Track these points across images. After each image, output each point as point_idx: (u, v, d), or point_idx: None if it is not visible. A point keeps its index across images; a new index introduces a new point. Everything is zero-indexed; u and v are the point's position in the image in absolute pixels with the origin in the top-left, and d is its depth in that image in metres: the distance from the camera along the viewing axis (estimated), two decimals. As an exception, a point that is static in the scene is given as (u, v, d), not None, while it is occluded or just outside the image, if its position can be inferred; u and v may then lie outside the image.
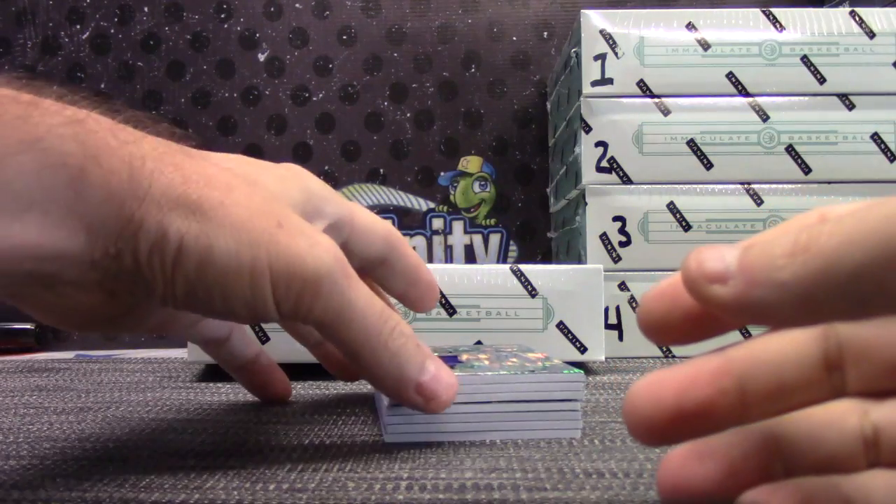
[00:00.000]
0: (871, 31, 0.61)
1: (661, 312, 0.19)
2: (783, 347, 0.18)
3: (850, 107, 0.61)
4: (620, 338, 0.60)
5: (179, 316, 0.30)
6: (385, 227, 0.32)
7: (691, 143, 0.61)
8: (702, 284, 0.16)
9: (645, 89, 0.61)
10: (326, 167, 0.87)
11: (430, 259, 0.86)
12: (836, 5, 0.77)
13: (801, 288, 0.15)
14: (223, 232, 0.23)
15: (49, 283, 0.23)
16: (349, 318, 0.25)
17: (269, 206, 0.25)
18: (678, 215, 0.60)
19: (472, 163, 0.87)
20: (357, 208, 0.31)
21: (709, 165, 0.61)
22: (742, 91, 0.61)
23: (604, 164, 0.61)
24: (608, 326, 0.60)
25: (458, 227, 0.86)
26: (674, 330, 0.19)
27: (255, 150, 0.86)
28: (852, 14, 0.62)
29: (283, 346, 0.45)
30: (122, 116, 0.25)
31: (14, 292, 0.24)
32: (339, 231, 0.30)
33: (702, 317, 0.18)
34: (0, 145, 0.20)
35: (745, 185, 0.61)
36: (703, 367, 0.17)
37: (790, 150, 0.61)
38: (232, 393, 0.41)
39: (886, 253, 0.14)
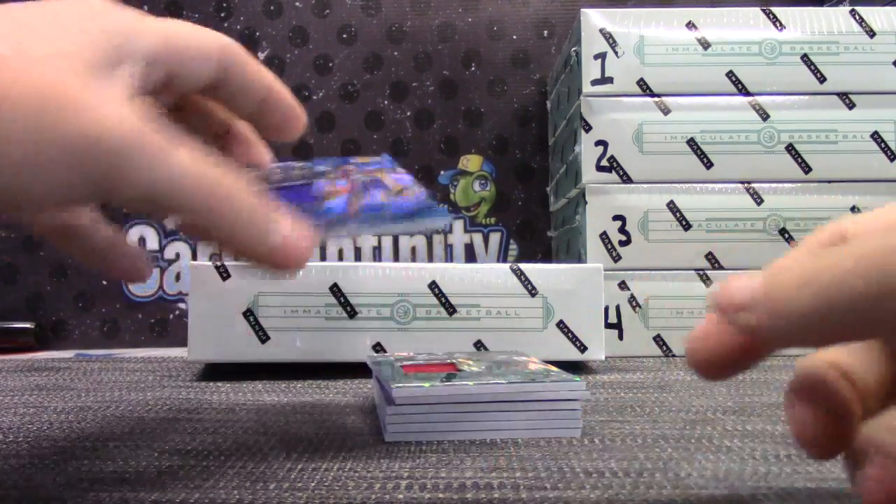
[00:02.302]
0: (872, 30, 0.61)
1: (706, 352, 0.21)
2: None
3: (851, 106, 0.61)
4: (620, 337, 0.60)
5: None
6: (217, 43, 0.27)
7: (691, 142, 0.61)
8: (732, 314, 0.18)
9: (645, 88, 0.61)
10: (326, 166, 0.87)
11: (431, 258, 0.86)
12: (836, 4, 0.77)
13: (813, 318, 0.16)
14: None
15: None
16: (178, 186, 0.22)
17: (51, 76, 0.21)
18: (678, 214, 0.60)
19: (472, 161, 0.87)
20: (174, 30, 0.26)
21: (709, 164, 0.61)
22: (742, 90, 0.61)
23: (604, 163, 0.61)
24: (608, 325, 0.60)
25: (458, 225, 0.86)
26: (719, 366, 0.20)
27: (254, 149, 0.86)
28: (852, 13, 0.62)
29: (283, 346, 0.45)
30: None
31: None
32: (155, 66, 0.25)
33: (743, 351, 0.20)
34: None
35: (745, 184, 0.61)
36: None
37: (790, 149, 0.61)
38: (232, 393, 0.41)
39: (878, 288, 0.15)
